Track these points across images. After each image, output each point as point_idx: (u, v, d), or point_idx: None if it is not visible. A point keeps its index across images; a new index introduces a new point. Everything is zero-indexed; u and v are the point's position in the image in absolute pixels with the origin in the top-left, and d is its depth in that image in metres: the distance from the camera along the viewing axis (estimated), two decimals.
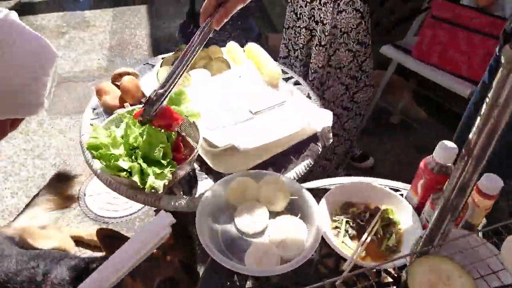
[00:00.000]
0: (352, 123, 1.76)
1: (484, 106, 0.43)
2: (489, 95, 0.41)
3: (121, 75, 1.19)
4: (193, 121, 0.97)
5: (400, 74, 2.24)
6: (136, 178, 0.82)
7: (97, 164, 0.91)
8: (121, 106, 1.14)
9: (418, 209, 0.89)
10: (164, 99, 0.81)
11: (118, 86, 1.18)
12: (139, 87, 1.17)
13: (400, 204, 0.91)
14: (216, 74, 1.21)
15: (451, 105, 2.18)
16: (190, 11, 2.43)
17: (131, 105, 1.14)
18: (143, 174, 0.84)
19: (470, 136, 0.45)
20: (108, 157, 0.86)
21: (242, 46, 1.37)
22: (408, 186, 0.99)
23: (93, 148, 0.88)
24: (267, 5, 3.36)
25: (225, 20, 0.77)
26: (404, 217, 0.89)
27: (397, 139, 2.32)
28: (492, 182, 0.79)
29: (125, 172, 0.85)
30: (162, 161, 0.86)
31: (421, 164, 0.87)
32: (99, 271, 0.70)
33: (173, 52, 1.31)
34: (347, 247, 0.84)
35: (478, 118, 0.44)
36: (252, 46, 1.32)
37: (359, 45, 1.51)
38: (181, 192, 0.97)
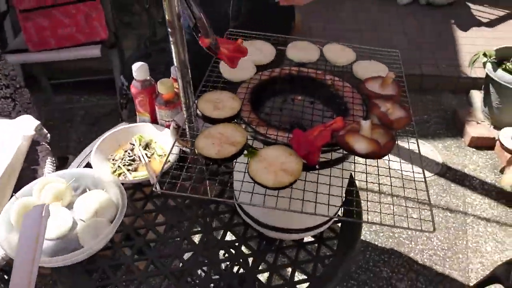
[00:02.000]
0: None
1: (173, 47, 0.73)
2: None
3: None
4: None
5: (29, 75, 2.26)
6: None
7: None
8: None
9: (154, 121, 1.13)
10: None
11: None
12: None
13: (141, 128, 1.12)
14: None
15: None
16: None
17: None
18: None
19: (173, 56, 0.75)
20: None
21: None
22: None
23: None
24: None
25: None
26: (151, 133, 1.11)
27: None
28: None
29: None
30: None
31: (132, 90, 1.08)
32: None
33: None
34: (141, 176, 1.01)
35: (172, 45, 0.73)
36: None
37: None
38: None
